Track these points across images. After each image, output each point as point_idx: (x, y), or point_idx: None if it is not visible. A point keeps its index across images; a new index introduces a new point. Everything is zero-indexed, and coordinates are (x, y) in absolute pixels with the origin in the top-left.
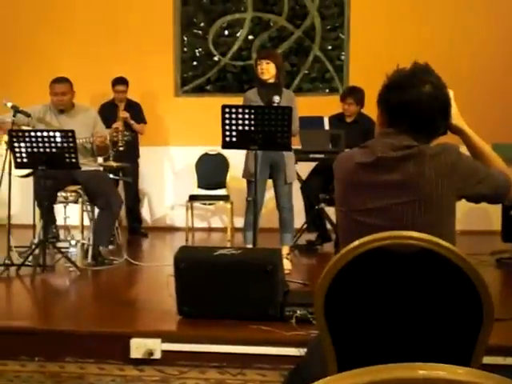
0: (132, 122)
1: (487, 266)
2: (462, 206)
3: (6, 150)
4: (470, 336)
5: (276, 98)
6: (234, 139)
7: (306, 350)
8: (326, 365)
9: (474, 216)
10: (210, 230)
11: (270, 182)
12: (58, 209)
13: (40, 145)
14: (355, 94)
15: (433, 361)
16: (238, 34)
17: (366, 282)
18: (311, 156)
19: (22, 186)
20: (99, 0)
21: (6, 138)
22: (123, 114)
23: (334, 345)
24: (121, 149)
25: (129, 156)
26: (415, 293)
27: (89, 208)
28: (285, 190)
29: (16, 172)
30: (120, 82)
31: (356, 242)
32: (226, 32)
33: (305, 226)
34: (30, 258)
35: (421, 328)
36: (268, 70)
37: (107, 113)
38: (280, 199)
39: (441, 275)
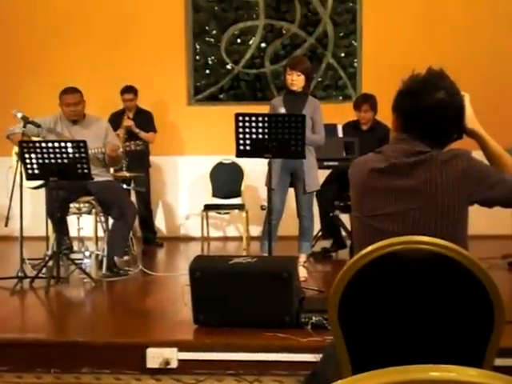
0: (137, 130)
1: (499, 269)
2: (474, 210)
3: (17, 162)
4: (482, 339)
5: (281, 110)
6: (248, 148)
7: (321, 355)
8: (341, 370)
9: (485, 220)
10: (226, 239)
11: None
12: (72, 220)
13: (51, 156)
14: (369, 101)
15: (446, 363)
16: (250, 42)
17: (379, 287)
18: (325, 164)
19: (34, 198)
20: (110, 9)
21: (16, 149)
22: (127, 122)
23: (349, 350)
24: (128, 149)
25: (140, 166)
26: (428, 297)
27: (102, 219)
28: (304, 198)
29: (27, 183)
30: (128, 90)
31: (368, 248)
32: (239, 40)
33: (320, 234)
34: (44, 270)
35: (433, 331)
36: (298, 82)
37: (116, 121)
38: (300, 208)
39: (453, 279)
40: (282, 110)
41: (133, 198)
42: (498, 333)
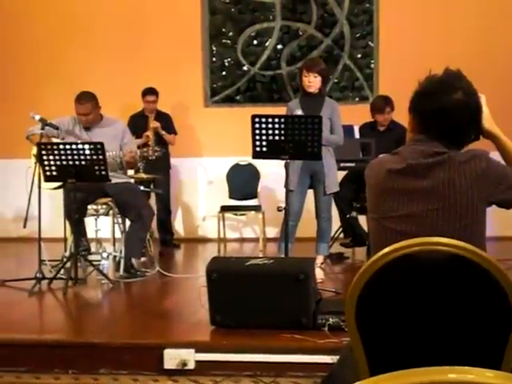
0: (163, 132)
1: None
2: (492, 212)
3: (35, 163)
4: (501, 340)
5: (298, 112)
6: (265, 149)
7: (338, 357)
8: (358, 372)
9: (504, 221)
10: (242, 240)
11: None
12: (89, 222)
13: (69, 157)
14: (390, 102)
15: (464, 365)
16: (266, 44)
17: (396, 288)
18: (342, 165)
19: (52, 200)
20: (127, 11)
21: (34, 150)
22: (154, 123)
23: (366, 351)
24: (150, 158)
25: (160, 167)
26: (445, 298)
27: (120, 220)
28: (324, 200)
29: (45, 185)
30: (150, 92)
31: (385, 250)
32: (255, 41)
33: (337, 235)
34: (62, 272)
35: (451, 333)
36: (315, 83)
37: (137, 124)
38: (319, 209)
39: (470, 280)
40: (299, 113)
41: (153, 199)
42: None
